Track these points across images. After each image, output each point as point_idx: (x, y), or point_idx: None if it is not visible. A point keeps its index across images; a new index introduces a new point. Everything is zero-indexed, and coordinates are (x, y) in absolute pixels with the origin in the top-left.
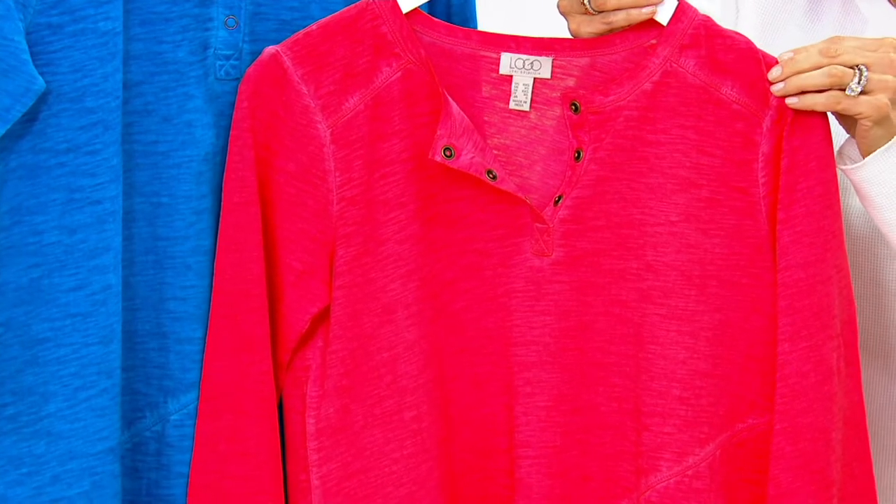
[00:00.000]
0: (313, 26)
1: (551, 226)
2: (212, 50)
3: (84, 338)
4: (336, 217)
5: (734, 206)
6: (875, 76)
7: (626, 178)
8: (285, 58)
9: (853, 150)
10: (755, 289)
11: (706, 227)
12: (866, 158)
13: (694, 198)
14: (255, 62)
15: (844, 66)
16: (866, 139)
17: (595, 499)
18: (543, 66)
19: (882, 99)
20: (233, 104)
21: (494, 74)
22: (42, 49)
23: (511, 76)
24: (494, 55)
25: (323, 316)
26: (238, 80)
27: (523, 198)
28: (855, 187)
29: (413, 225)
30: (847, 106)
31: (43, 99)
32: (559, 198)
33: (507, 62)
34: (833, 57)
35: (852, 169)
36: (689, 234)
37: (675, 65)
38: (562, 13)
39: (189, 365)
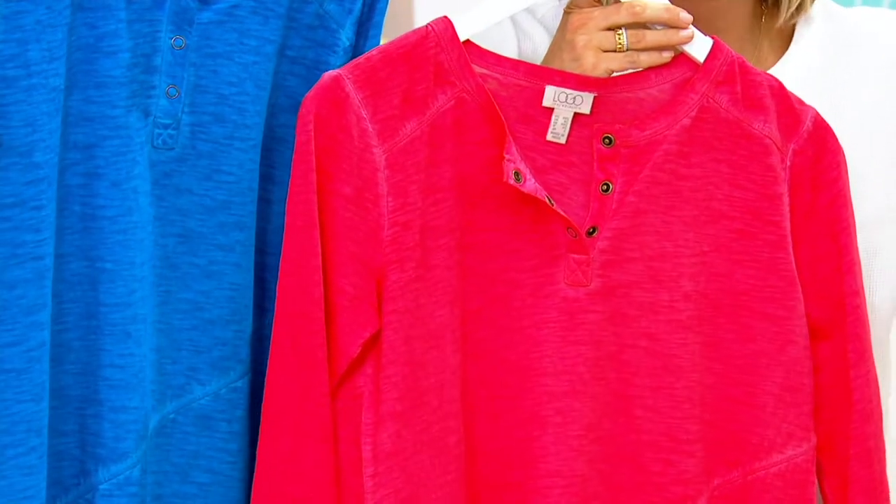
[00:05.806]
0: (374, 51)
1: (591, 256)
2: (152, 118)
3: (17, 394)
4: (387, 242)
5: (767, 239)
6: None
7: (660, 212)
8: (347, 81)
9: None
10: (789, 321)
11: (739, 258)
12: None
13: (725, 229)
14: (315, 86)
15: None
16: None
17: None
18: (585, 102)
19: None
20: (167, 174)
21: (535, 106)
22: None
23: (552, 108)
24: (538, 87)
25: (372, 342)
26: (174, 150)
27: (577, 227)
28: None
29: (457, 252)
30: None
31: None
32: (593, 229)
33: (551, 95)
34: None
35: None
36: (719, 264)
37: (711, 100)
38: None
39: (122, 434)
